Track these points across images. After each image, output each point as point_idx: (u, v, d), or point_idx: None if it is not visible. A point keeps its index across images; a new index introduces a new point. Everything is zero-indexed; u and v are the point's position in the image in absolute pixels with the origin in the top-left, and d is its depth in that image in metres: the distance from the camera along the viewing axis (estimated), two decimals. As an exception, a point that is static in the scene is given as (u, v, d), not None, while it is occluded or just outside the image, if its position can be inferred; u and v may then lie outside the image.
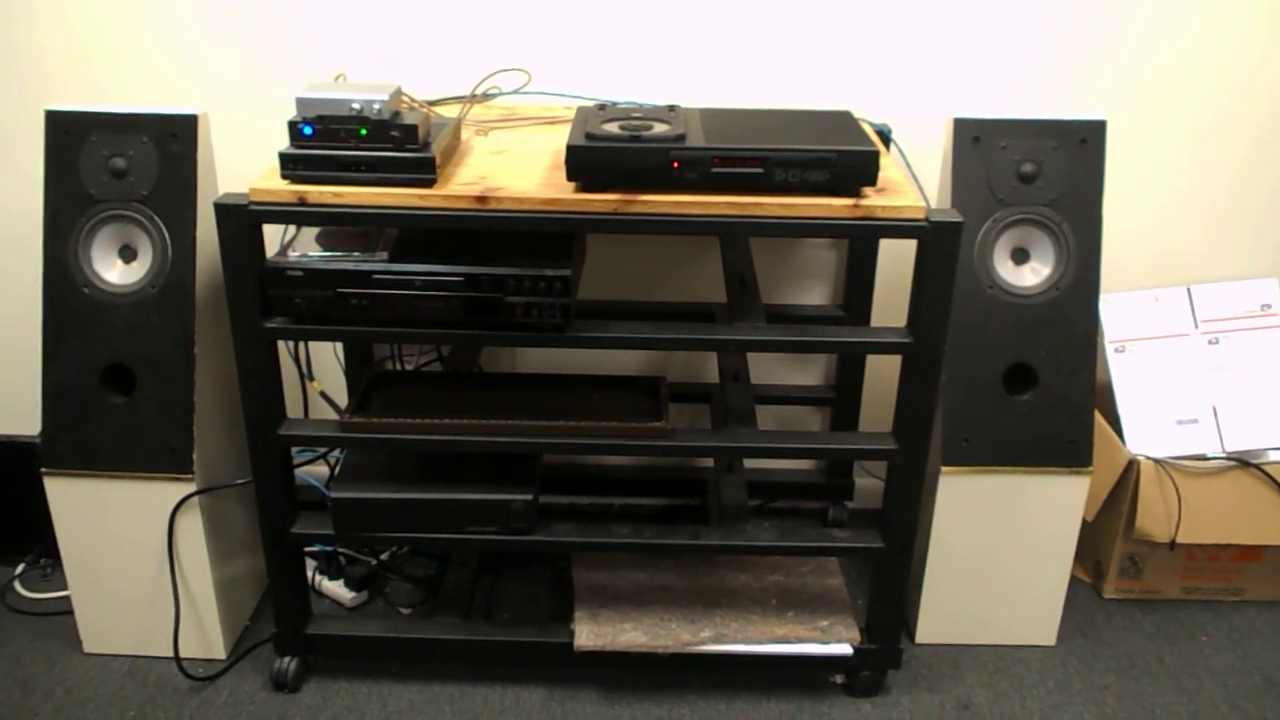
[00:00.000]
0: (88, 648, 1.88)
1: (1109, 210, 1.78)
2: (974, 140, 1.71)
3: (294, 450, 1.69)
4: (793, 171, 1.46)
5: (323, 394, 2.03)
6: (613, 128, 1.49)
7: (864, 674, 1.80)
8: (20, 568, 2.10)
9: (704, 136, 1.49)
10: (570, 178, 1.47)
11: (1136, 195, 2.06)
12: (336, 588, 2.02)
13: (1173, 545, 1.95)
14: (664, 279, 2.15)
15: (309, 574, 1.99)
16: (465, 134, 1.75)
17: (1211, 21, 1.93)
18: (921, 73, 1.97)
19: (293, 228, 1.66)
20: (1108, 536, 2.02)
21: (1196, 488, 1.92)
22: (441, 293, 1.50)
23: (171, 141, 1.64)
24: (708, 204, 1.47)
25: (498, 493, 1.67)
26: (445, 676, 1.84)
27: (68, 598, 1.86)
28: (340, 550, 2.07)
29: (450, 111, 1.78)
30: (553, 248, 1.56)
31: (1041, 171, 1.71)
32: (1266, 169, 2.05)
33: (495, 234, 1.59)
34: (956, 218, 1.48)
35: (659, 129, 1.49)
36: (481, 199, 1.47)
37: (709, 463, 2.28)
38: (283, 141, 1.48)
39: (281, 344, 1.61)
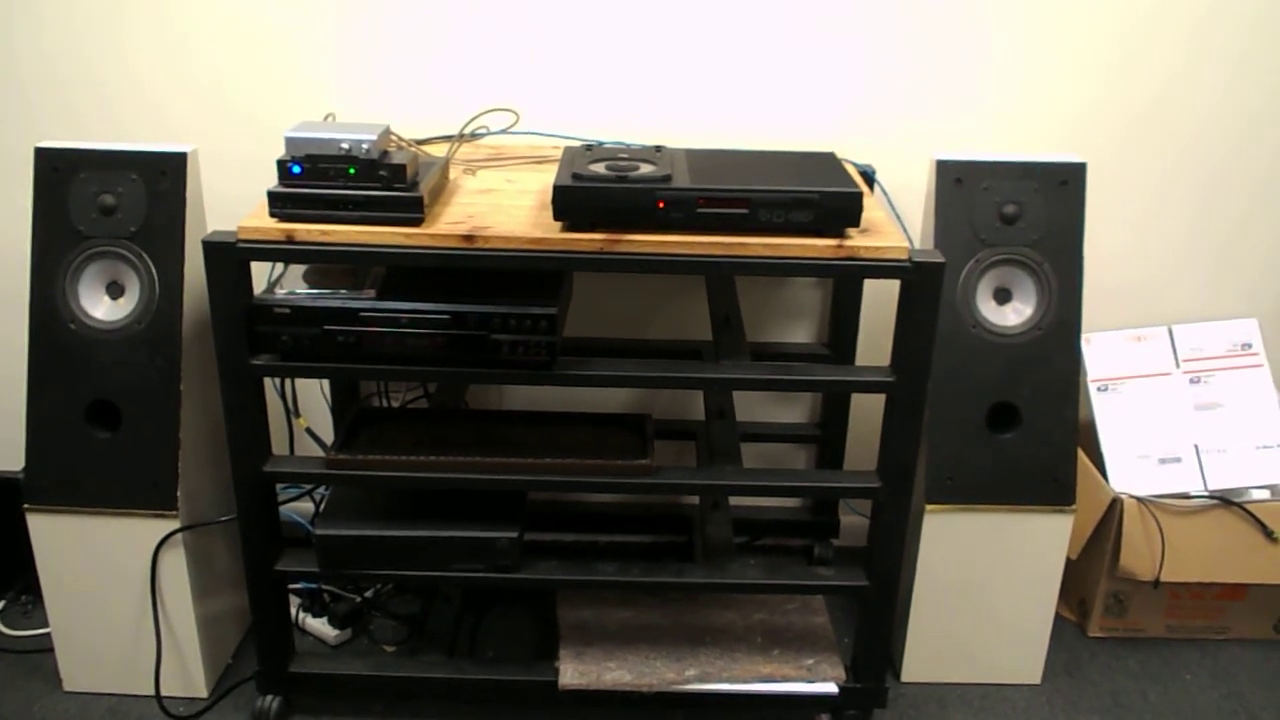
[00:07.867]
0: (68, 686, 1.86)
1: (1090, 250, 1.80)
2: (956, 181, 1.73)
3: (279, 487, 1.69)
4: (777, 212, 1.47)
5: (309, 431, 2.03)
6: (599, 168, 1.50)
7: (849, 713, 1.80)
8: (1, 604, 2.08)
9: (689, 177, 1.50)
10: (557, 217, 1.49)
11: (1117, 236, 2.09)
12: (320, 625, 2.01)
13: (1156, 584, 1.96)
14: (650, 317, 2.16)
15: (293, 611, 1.97)
16: (453, 173, 1.77)
17: (1189, 65, 1.96)
18: (905, 115, 2.00)
19: (280, 265, 1.66)
20: (1092, 575, 2.03)
21: (1179, 526, 1.93)
22: (428, 330, 1.51)
23: (160, 179, 1.65)
24: (693, 244, 1.48)
25: (483, 530, 1.66)
26: (429, 714, 1.83)
27: (48, 635, 1.84)
28: (324, 587, 2.06)
29: (439, 151, 1.80)
30: (539, 286, 1.57)
31: (1023, 213, 1.73)
32: (1246, 210, 2.08)
33: (482, 272, 1.60)
34: (939, 258, 1.50)
35: (645, 169, 1.51)
36: (469, 238, 1.48)
37: (695, 500, 2.28)
38: (271, 180, 1.49)
39: (267, 380, 1.61)
